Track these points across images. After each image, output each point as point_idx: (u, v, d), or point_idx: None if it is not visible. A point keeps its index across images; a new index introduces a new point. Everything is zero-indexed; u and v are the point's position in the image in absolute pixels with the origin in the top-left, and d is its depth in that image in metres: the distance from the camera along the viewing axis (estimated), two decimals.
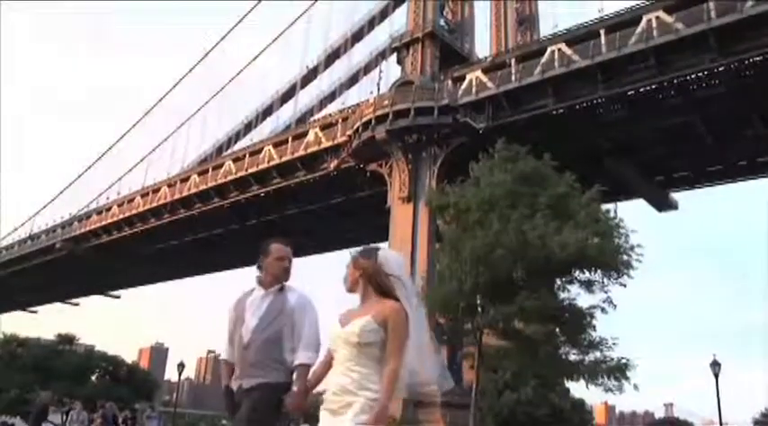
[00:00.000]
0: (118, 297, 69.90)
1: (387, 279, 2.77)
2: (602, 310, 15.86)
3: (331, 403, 2.67)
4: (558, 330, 16.72)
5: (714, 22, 26.37)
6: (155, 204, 50.00)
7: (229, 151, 49.76)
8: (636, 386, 15.56)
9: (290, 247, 3.56)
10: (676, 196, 39.60)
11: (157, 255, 53.69)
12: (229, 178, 44.63)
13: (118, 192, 55.63)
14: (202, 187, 46.38)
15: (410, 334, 2.70)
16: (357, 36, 45.43)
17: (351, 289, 2.87)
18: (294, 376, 3.21)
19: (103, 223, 54.32)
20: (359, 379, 2.62)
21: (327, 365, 2.92)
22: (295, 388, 3.17)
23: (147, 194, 51.46)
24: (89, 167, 60.94)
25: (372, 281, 2.79)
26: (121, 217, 52.67)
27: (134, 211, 51.63)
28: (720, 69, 28.25)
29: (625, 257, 15.47)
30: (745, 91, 28.70)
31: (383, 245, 3.03)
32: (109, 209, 54.70)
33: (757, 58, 27.40)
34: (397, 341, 2.64)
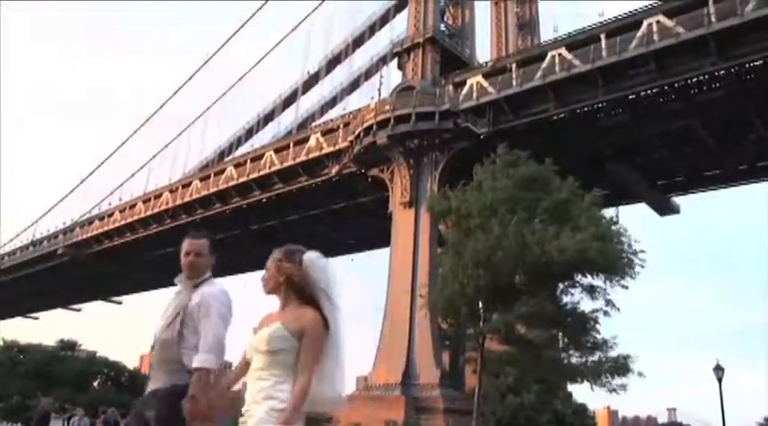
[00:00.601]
0: (119, 302, 69.98)
1: (311, 286, 2.61)
2: (605, 313, 15.83)
3: (244, 414, 2.50)
4: (560, 334, 16.69)
5: (714, 26, 26.42)
6: (156, 210, 50.12)
7: (231, 157, 49.93)
8: (641, 374, 15.55)
9: (199, 240, 3.25)
10: (678, 200, 39.66)
11: (159, 261, 53.55)
12: (231, 184, 44.75)
13: (119, 198, 55.83)
14: (204, 193, 46.51)
15: (332, 345, 2.54)
16: (358, 41, 45.56)
17: (271, 292, 2.68)
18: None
19: (105, 229, 54.43)
20: (267, 388, 2.46)
21: (246, 367, 2.66)
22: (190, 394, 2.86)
23: (149, 200, 51.56)
24: (90, 173, 61.10)
25: (295, 287, 2.62)
26: (123, 222, 52.76)
27: (136, 217, 51.74)
28: (721, 73, 28.32)
29: (626, 260, 15.45)
30: (746, 95, 28.72)
31: (313, 253, 2.77)
32: (111, 215, 54.79)
33: (758, 62, 27.45)
34: (312, 354, 2.47)
